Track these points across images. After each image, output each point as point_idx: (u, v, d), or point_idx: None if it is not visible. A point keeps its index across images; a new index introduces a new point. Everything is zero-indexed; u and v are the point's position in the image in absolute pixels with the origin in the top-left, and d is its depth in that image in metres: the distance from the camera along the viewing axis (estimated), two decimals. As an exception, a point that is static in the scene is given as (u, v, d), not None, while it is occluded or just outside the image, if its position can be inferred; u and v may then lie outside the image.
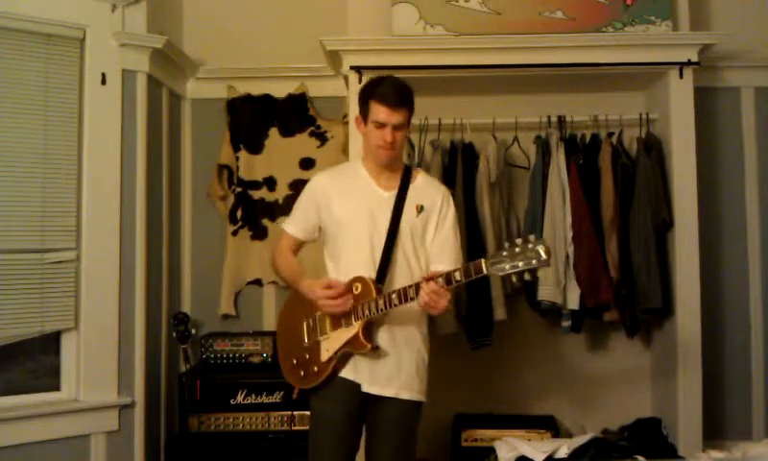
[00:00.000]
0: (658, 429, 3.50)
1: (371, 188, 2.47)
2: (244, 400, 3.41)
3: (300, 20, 3.94)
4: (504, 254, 2.12)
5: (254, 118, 3.95)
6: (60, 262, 3.23)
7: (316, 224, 2.53)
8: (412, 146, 3.71)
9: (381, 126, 2.37)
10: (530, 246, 2.09)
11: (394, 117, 2.37)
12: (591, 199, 3.54)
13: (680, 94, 3.52)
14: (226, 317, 3.92)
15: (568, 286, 3.51)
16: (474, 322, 3.53)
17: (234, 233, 3.94)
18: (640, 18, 3.51)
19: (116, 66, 3.36)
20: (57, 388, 3.28)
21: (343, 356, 2.39)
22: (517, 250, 2.10)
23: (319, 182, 2.54)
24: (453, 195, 3.49)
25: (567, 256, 3.51)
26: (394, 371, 2.40)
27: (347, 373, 2.41)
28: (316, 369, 2.43)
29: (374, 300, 2.31)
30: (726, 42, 3.58)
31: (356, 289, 2.36)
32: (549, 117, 3.67)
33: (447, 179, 3.60)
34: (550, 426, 3.50)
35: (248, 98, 3.96)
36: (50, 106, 3.21)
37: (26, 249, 3.15)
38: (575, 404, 3.79)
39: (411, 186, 2.47)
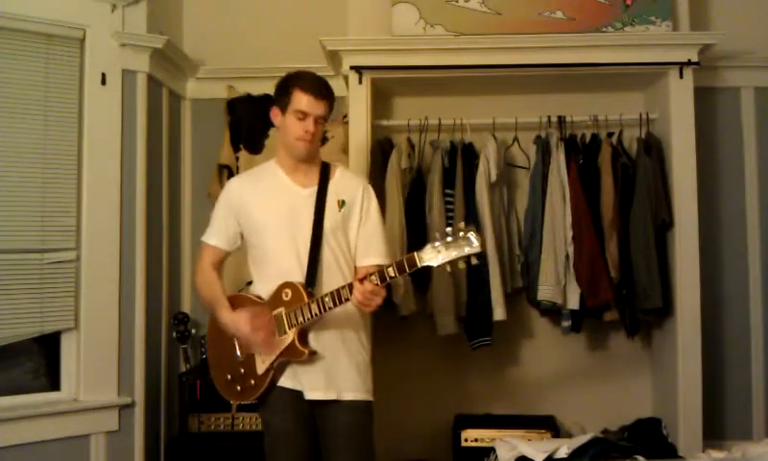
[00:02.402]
0: (658, 429, 3.50)
1: (288, 187, 2.40)
2: (244, 400, 3.41)
3: (300, 20, 3.94)
4: (437, 244, 2.11)
5: (254, 118, 3.94)
6: (60, 262, 3.23)
7: (237, 231, 2.45)
8: (412, 146, 3.71)
9: (303, 116, 2.32)
10: (461, 234, 2.09)
11: (317, 107, 2.33)
12: (591, 199, 3.54)
13: (680, 94, 3.52)
14: (226, 317, 3.92)
15: (568, 286, 3.51)
16: (474, 322, 3.53)
17: (234, 233, 3.94)
18: (640, 18, 3.51)
19: (116, 66, 3.36)
20: (57, 388, 3.27)
21: (280, 365, 2.34)
22: (449, 239, 2.10)
23: (233, 188, 2.48)
24: (453, 195, 3.56)
25: (567, 256, 3.51)
26: (332, 373, 2.34)
27: (286, 381, 2.35)
28: (253, 382, 2.37)
29: (307, 305, 2.25)
30: (726, 42, 3.57)
31: (286, 295, 2.30)
32: (549, 117, 3.67)
33: (447, 179, 3.60)
34: (550, 426, 3.50)
35: (248, 98, 3.95)
36: (50, 106, 3.21)
37: (26, 249, 3.15)
38: (575, 404, 3.79)
39: (330, 182, 2.41)
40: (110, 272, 3.32)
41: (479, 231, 2.12)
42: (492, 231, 3.53)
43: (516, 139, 3.77)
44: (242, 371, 2.40)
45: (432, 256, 2.11)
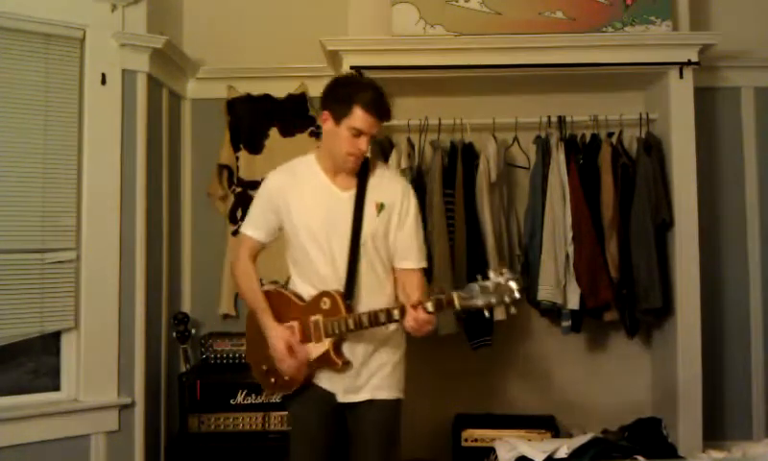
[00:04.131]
0: (658, 429, 3.49)
1: (328, 189, 2.35)
2: (244, 400, 3.41)
3: (300, 20, 3.94)
4: (476, 288, 2.11)
5: (254, 118, 3.94)
6: (60, 262, 3.23)
7: (276, 225, 2.42)
8: (412, 146, 3.71)
9: (359, 134, 2.27)
10: (502, 281, 2.09)
11: (375, 127, 2.29)
12: (591, 199, 3.54)
13: (680, 94, 3.52)
14: (226, 317, 3.92)
15: (568, 286, 3.51)
16: (474, 322, 3.53)
17: (234, 233, 3.93)
18: (640, 18, 3.51)
19: (116, 66, 3.36)
20: (57, 388, 3.27)
21: (314, 369, 2.35)
22: (490, 285, 2.10)
23: (274, 183, 2.41)
24: (453, 195, 3.56)
25: (567, 256, 3.51)
26: (368, 378, 2.35)
27: (322, 381, 2.36)
28: (287, 379, 2.38)
29: (344, 319, 2.25)
30: (726, 42, 3.58)
31: (324, 304, 2.29)
32: (549, 117, 3.67)
33: (447, 179, 3.60)
34: (550, 426, 3.50)
35: (248, 98, 3.95)
36: (50, 106, 3.21)
37: (26, 249, 3.15)
38: (575, 404, 3.79)
39: (369, 183, 2.36)
40: (110, 272, 3.32)
41: (518, 278, 2.13)
42: (492, 231, 3.53)
43: (516, 139, 3.77)
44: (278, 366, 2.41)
45: (470, 300, 2.12)
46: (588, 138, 3.69)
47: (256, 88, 3.94)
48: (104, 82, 3.32)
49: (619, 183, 3.56)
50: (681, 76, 3.51)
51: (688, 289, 3.49)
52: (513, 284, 2.08)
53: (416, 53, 3.51)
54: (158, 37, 3.45)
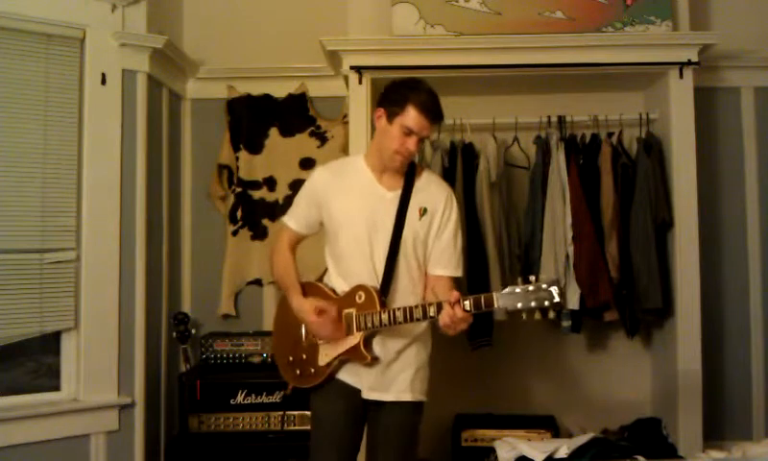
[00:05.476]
0: (658, 429, 3.50)
1: (373, 187, 2.38)
2: (244, 400, 3.41)
3: (300, 20, 3.94)
4: (517, 290, 2.11)
5: (254, 118, 3.95)
6: (60, 262, 3.23)
7: (317, 220, 2.45)
8: (412, 146, 3.71)
9: (409, 133, 2.29)
10: (544, 286, 2.09)
11: (426, 130, 2.31)
12: (591, 199, 3.54)
13: (680, 94, 3.52)
14: (226, 317, 3.92)
15: (568, 286, 3.50)
16: (474, 322, 3.50)
17: (234, 233, 3.94)
18: (640, 18, 3.51)
19: (116, 66, 3.36)
20: (57, 388, 3.27)
21: (341, 362, 2.37)
22: (531, 288, 2.10)
23: (319, 178, 2.45)
24: (453, 195, 3.55)
25: (567, 256, 3.51)
26: (394, 376, 2.36)
27: (346, 376, 2.38)
28: (313, 371, 2.40)
29: (378, 313, 2.25)
30: (726, 42, 3.58)
31: (359, 298, 2.30)
32: (549, 117, 3.67)
33: (447, 179, 3.56)
34: (550, 426, 3.50)
35: (248, 98, 3.96)
36: (50, 106, 3.21)
37: (26, 249, 3.15)
38: (575, 404, 3.79)
39: (415, 186, 2.39)
40: (110, 272, 3.32)
41: (562, 286, 2.14)
42: (492, 231, 3.53)
43: (516, 139, 3.77)
44: (304, 356, 2.42)
45: (510, 301, 2.12)
46: (588, 138, 3.69)
47: (256, 88, 3.95)
48: (104, 82, 3.32)
49: (619, 183, 3.56)
50: (681, 76, 3.51)
51: (688, 289, 3.49)
52: (554, 289, 2.09)
53: (416, 53, 3.51)
54: (158, 37, 3.45)
